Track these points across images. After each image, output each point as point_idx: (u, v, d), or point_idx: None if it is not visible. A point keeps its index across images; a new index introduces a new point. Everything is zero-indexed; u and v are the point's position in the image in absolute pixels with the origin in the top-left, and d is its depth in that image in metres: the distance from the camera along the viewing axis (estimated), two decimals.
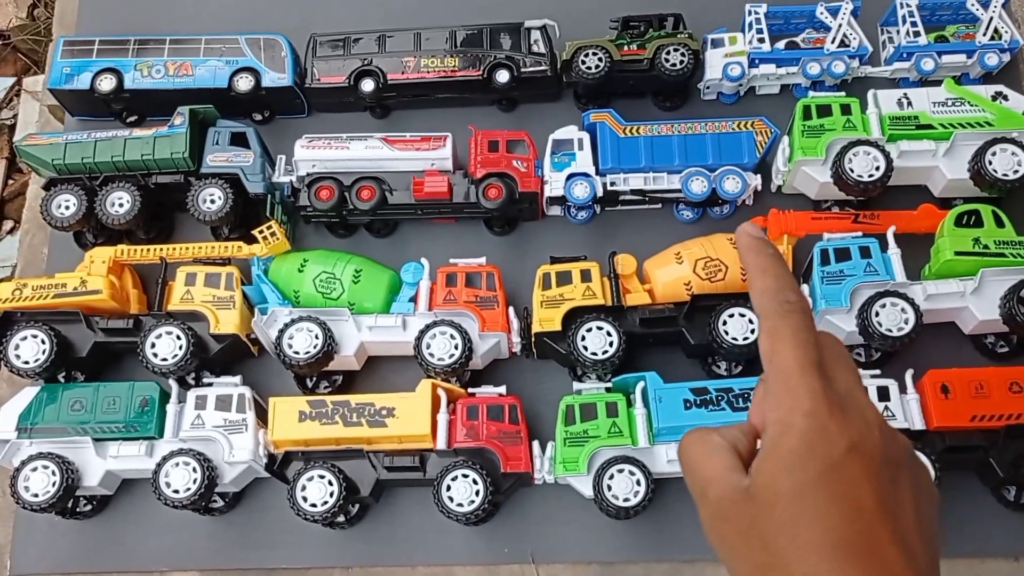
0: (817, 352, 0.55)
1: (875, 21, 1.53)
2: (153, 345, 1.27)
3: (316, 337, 1.26)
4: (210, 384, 1.30)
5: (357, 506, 1.28)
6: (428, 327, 1.27)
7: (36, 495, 1.21)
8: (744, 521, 0.54)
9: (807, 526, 0.51)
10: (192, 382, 1.34)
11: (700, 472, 0.58)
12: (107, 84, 1.46)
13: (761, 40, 1.46)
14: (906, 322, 1.24)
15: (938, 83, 1.42)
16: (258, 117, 1.54)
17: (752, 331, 1.25)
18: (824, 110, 1.37)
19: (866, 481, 0.52)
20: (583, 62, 1.43)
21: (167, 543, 1.31)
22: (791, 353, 0.55)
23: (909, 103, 1.38)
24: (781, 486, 0.52)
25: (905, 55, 1.47)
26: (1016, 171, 1.32)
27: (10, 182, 2.13)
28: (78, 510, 1.31)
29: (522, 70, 1.46)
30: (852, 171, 1.31)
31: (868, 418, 0.55)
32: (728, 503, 0.55)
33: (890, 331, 1.23)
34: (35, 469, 1.22)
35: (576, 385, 1.29)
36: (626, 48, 1.45)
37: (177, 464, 1.22)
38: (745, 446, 0.59)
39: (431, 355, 1.26)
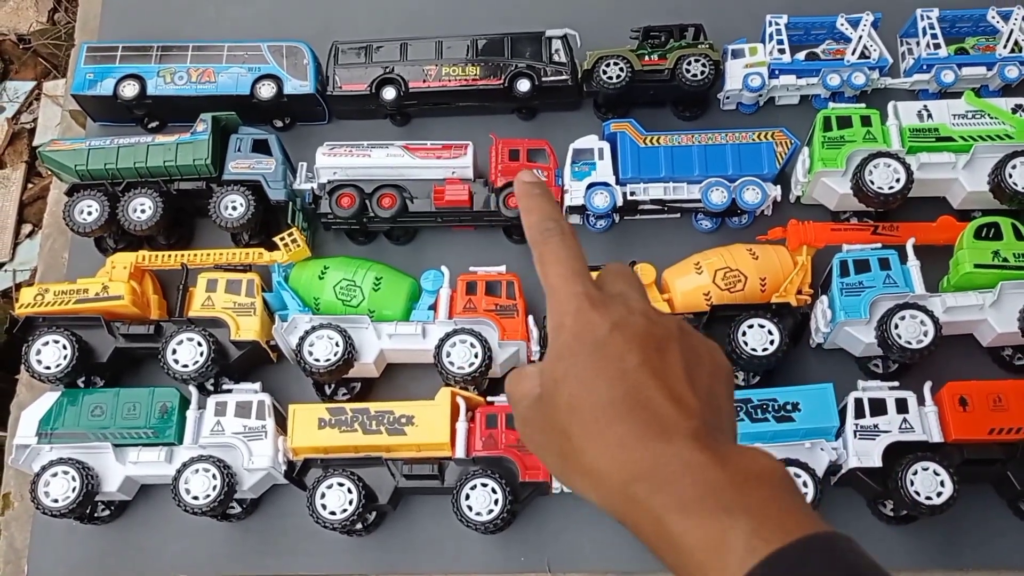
0: (579, 263, 0.60)
1: (894, 33, 1.54)
2: (174, 351, 1.28)
3: (336, 344, 1.26)
4: (230, 391, 1.30)
5: (374, 514, 1.28)
6: (448, 335, 1.27)
7: (56, 500, 1.22)
8: (541, 420, 0.59)
9: (582, 399, 0.55)
10: (211, 388, 1.34)
11: (512, 397, 0.62)
12: (130, 90, 1.47)
13: (781, 51, 1.47)
14: (925, 334, 1.24)
15: (958, 95, 1.42)
16: (279, 124, 1.54)
17: (772, 342, 1.25)
18: (844, 121, 1.37)
19: (629, 351, 0.55)
20: (604, 72, 1.44)
21: (184, 549, 1.32)
22: (554, 270, 0.60)
23: (929, 115, 1.38)
24: (557, 373, 0.57)
25: (925, 67, 1.47)
26: None
27: (30, 186, 2.14)
28: (96, 515, 1.31)
29: (543, 79, 1.46)
30: (872, 183, 1.31)
31: (632, 306, 0.59)
32: (529, 410, 0.60)
33: (909, 343, 1.23)
34: (55, 474, 1.23)
35: None
36: (647, 58, 1.46)
37: (197, 470, 1.23)
38: None
39: (451, 363, 1.26)
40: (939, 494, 1.17)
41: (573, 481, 0.58)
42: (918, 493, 1.17)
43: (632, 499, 0.53)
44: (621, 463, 0.54)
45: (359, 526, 1.27)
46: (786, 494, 0.52)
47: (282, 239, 1.35)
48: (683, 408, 0.54)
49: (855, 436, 1.21)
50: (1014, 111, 1.38)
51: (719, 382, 0.59)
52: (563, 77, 1.47)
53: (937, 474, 1.18)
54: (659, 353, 0.57)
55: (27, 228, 2.11)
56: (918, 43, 1.50)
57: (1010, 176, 1.32)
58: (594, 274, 0.63)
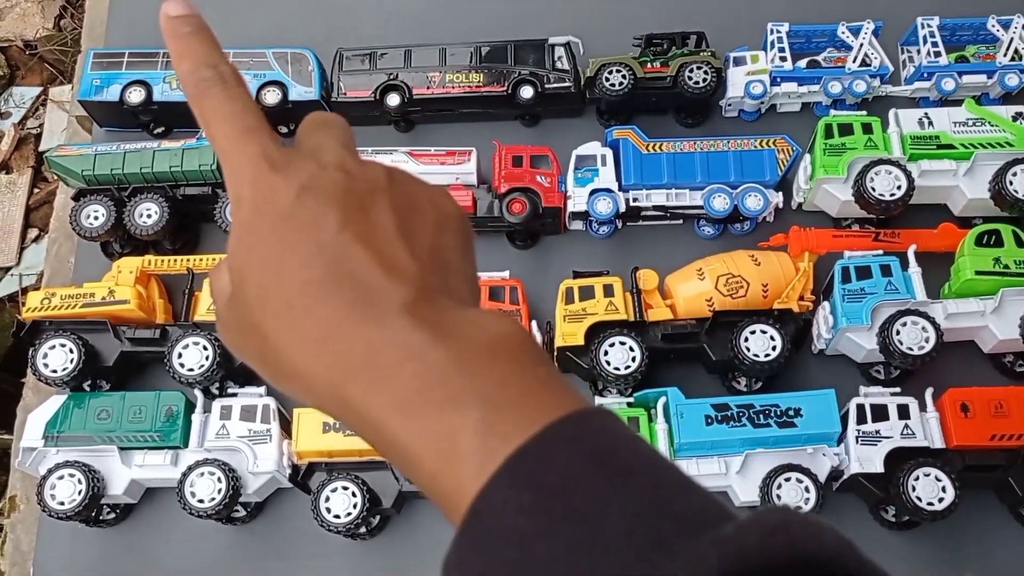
0: (252, 118, 0.49)
1: (895, 41, 1.55)
2: (180, 355, 1.29)
3: None
4: (235, 395, 1.31)
5: (378, 517, 1.29)
6: None
7: (62, 503, 1.23)
8: (236, 319, 0.48)
9: (272, 287, 0.45)
10: (216, 392, 1.35)
11: (213, 298, 0.52)
12: (136, 96, 1.48)
13: (783, 58, 1.48)
14: (927, 341, 1.25)
15: (958, 103, 1.43)
16: (283, 130, 1.55)
17: (774, 348, 1.26)
18: (846, 129, 1.38)
19: (324, 215, 0.45)
20: (607, 79, 1.45)
21: (189, 552, 1.32)
22: (221, 131, 0.49)
23: (930, 123, 1.39)
24: (242, 261, 0.47)
25: (926, 75, 1.48)
26: None
27: (36, 191, 2.15)
28: (101, 518, 1.32)
29: (546, 86, 1.47)
30: (874, 190, 1.32)
31: (325, 159, 0.48)
32: (224, 309, 0.49)
33: (911, 349, 1.24)
34: (61, 477, 1.24)
35: (597, 400, 1.30)
36: (649, 65, 1.47)
37: (202, 474, 1.23)
38: None
39: None
40: (940, 500, 1.18)
41: (283, 387, 0.47)
42: (920, 499, 1.18)
43: (347, 403, 0.43)
44: (328, 359, 0.44)
45: (363, 530, 1.28)
46: (527, 367, 0.43)
47: None
48: (396, 274, 0.45)
49: (857, 442, 1.22)
50: (1014, 119, 1.39)
51: (447, 233, 0.49)
52: (566, 84, 1.48)
53: (939, 480, 1.18)
54: (363, 213, 0.46)
55: (33, 233, 2.12)
56: (919, 51, 1.51)
57: (1011, 183, 1.32)
58: None
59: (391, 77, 1.49)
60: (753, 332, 1.27)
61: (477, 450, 0.40)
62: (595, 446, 0.40)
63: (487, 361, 0.42)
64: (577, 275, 1.34)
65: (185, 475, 1.23)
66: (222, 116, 0.49)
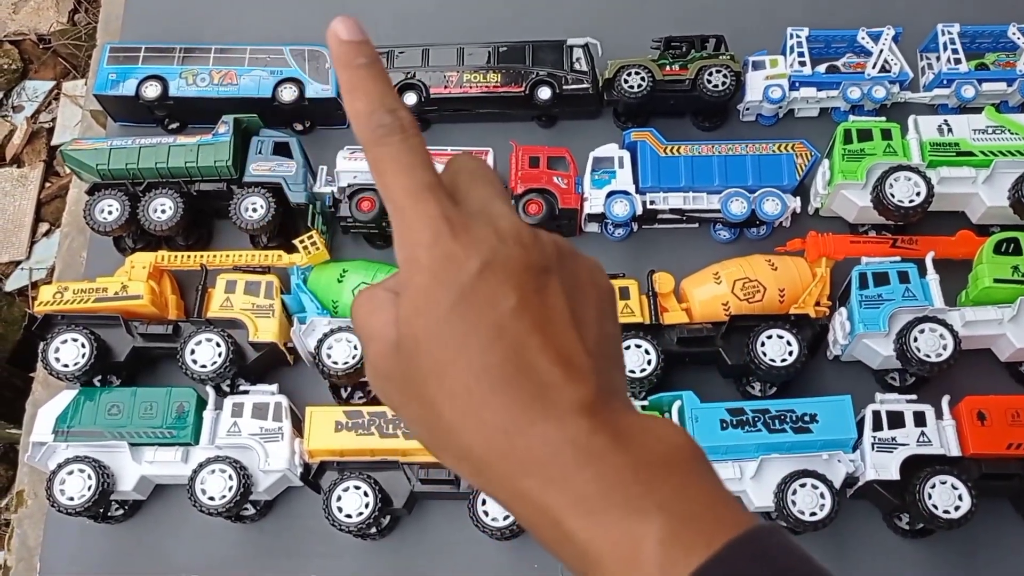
0: (429, 173, 0.47)
1: (914, 47, 1.54)
2: (193, 351, 1.28)
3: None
4: (247, 392, 1.30)
5: (389, 517, 1.28)
6: None
7: (72, 498, 1.22)
8: (398, 376, 0.48)
9: (449, 366, 0.45)
10: (228, 389, 1.34)
11: (363, 330, 0.50)
12: (152, 91, 1.48)
13: (802, 63, 1.47)
14: (944, 348, 1.24)
15: (977, 111, 1.42)
16: (299, 127, 1.55)
17: (791, 353, 1.25)
18: (865, 134, 1.38)
19: (504, 297, 0.45)
20: (625, 81, 1.44)
21: (197, 550, 1.31)
22: (397, 183, 0.47)
23: (950, 130, 1.38)
24: (417, 330, 0.46)
25: (945, 82, 1.47)
26: None
27: (47, 185, 2.15)
28: (110, 514, 1.31)
29: (564, 87, 1.47)
30: (893, 196, 1.31)
31: (501, 229, 0.47)
32: (382, 360, 0.48)
33: (928, 357, 1.23)
34: (71, 472, 1.23)
35: None
36: (668, 68, 1.46)
37: (213, 471, 1.22)
38: None
39: None
40: (957, 508, 1.17)
41: (447, 461, 0.48)
42: (936, 507, 1.17)
43: (523, 496, 0.45)
44: (503, 451, 0.44)
45: (373, 530, 1.27)
46: (702, 478, 0.45)
47: (302, 242, 1.35)
48: (573, 371, 0.45)
49: (873, 448, 1.21)
50: None
51: (607, 316, 0.50)
52: (584, 85, 1.47)
53: (955, 488, 1.18)
54: (539, 295, 0.46)
55: (44, 227, 2.12)
56: (938, 58, 1.50)
57: None
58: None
59: (408, 76, 1.48)
60: (770, 337, 1.26)
61: (660, 560, 0.41)
62: (778, 565, 0.42)
63: (665, 471, 0.43)
64: None
65: (196, 472, 1.22)
66: (400, 168, 0.48)
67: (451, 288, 0.45)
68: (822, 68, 1.49)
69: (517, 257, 0.46)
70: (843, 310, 1.30)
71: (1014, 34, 1.48)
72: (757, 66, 1.48)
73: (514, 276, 0.46)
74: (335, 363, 1.26)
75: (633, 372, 1.25)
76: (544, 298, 0.46)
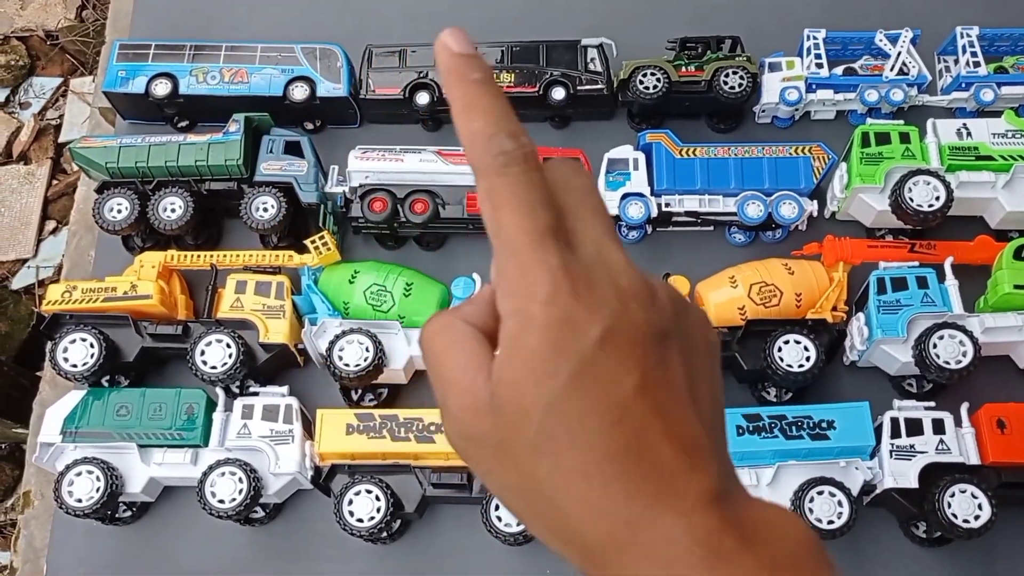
0: (551, 213, 0.42)
1: (931, 50, 1.52)
2: (203, 352, 1.27)
3: (367, 350, 1.25)
4: (257, 393, 1.29)
5: (399, 521, 1.27)
6: None
7: (80, 500, 1.20)
8: (493, 442, 0.43)
9: (566, 446, 0.41)
10: (237, 391, 1.33)
11: (441, 371, 0.45)
12: (162, 89, 1.46)
13: (819, 65, 1.46)
14: (964, 355, 1.22)
15: (996, 114, 1.41)
16: (310, 126, 1.53)
17: (808, 358, 1.24)
18: (883, 138, 1.36)
19: (627, 373, 0.41)
20: (641, 82, 1.43)
21: (205, 552, 1.30)
22: (515, 221, 0.42)
23: (968, 133, 1.37)
24: (528, 400, 0.41)
25: (964, 85, 1.46)
26: None
27: (54, 182, 2.14)
28: (117, 516, 1.30)
29: (578, 88, 1.45)
30: (912, 200, 1.30)
31: (622, 289, 0.42)
32: (471, 417, 0.44)
33: (947, 363, 1.22)
34: (79, 474, 1.21)
35: None
36: (684, 69, 1.44)
37: (223, 474, 1.21)
38: (494, 329, 0.46)
39: None
40: (976, 517, 1.15)
41: (546, 538, 0.44)
42: (955, 516, 1.15)
43: None
44: (623, 544, 0.41)
45: (384, 534, 1.25)
46: (824, 572, 0.43)
47: (313, 242, 1.33)
48: (696, 457, 0.42)
49: (891, 456, 1.19)
50: None
51: (716, 379, 0.46)
52: (598, 86, 1.46)
53: (975, 497, 1.16)
54: (661, 366, 0.42)
55: (51, 224, 2.10)
56: (956, 61, 1.49)
57: None
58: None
59: (421, 75, 1.47)
60: (787, 342, 1.25)
61: None
62: None
63: (793, 570, 0.41)
64: None
65: (206, 475, 1.21)
66: (520, 205, 0.42)
67: (570, 357, 0.41)
68: (839, 70, 1.48)
69: (640, 324, 0.42)
70: (860, 315, 1.29)
71: None
72: (773, 68, 1.47)
73: (637, 347, 0.42)
74: (346, 365, 1.24)
75: None
76: (665, 371, 0.42)
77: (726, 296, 1.31)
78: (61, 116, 2.16)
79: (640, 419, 0.41)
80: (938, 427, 1.21)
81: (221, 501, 1.20)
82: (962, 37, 1.47)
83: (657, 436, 0.41)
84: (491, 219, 0.43)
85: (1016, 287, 1.27)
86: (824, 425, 1.21)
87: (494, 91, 0.44)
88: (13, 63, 2.26)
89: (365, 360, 1.24)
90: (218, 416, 1.25)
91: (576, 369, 0.40)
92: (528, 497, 0.43)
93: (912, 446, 1.20)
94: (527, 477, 0.42)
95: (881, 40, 1.46)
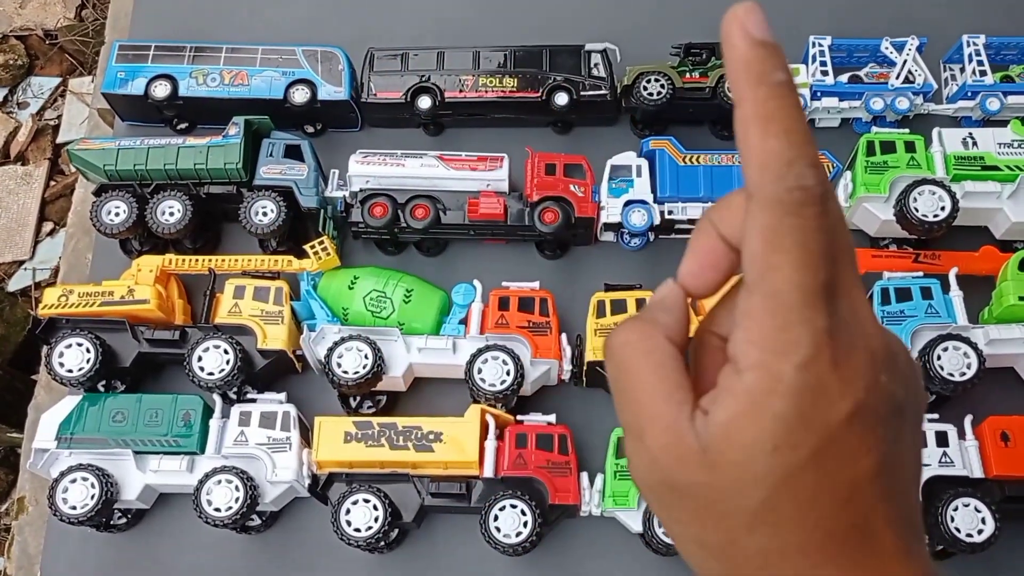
0: (830, 269, 0.38)
1: (937, 58, 1.51)
2: (200, 358, 1.25)
3: (366, 357, 1.23)
4: (254, 400, 1.27)
5: (397, 531, 1.25)
6: (480, 351, 1.25)
7: (74, 507, 1.19)
8: (699, 496, 0.41)
9: (790, 519, 0.39)
10: (234, 397, 1.31)
11: (636, 393, 0.42)
12: (162, 90, 1.45)
13: (824, 72, 1.45)
14: (968, 367, 1.21)
15: (1002, 124, 1.40)
16: (310, 129, 1.52)
17: None
18: (888, 147, 1.35)
19: (865, 453, 0.39)
20: (644, 88, 1.41)
21: (201, 560, 1.28)
22: (793, 274, 0.38)
23: (974, 143, 1.36)
24: (760, 467, 0.39)
25: (970, 94, 1.45)
26: None
27: (52, 184, 2.12)
28: (112, 523, 1.28)
29: (581, 93, 1.44)
30: (917, 210, 1.29)
31: (875, 355, 0.40)
32: (676, 463, 0.41)
33: (952, 375, 1.21)
34: (74, 480, 1.20)
35: None
36: (688, 75, 1.43)
37: (219, 481, 1.20)
38: (708, 361, 0.44)
39: (482, 380, 1.23)
40: (980, 532, 1.14)
41: None
42: (958, 530, 1.14)
43: None
44: None
45: (381, 543, 1.24)
46: None
47: (312, 247, 1.32)
48: (912, 543, 0.40)
49: None
50: None
51: (920, 435, 0.45)
52: (602, 92, 1.45)
53: (978, 511, 1.15)
54: (895, 444, 0.40)
55: (48, 226, 2.09)
56: (962, 69, 1.47)
57: None
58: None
59: (423, 79, 1.46)
60: None
61: None
62: None
63: None
64: (609, 288, 1.30)
65: (202, 482, 1.20)
66: (804, 256, 0.38)
67: (817, 431, 0.38)
68: (844, 78, 1.47)
69: (885, 399, 0.40)
70: None
71: None
72: None
73: (880, 425, 0.40)
74: (345, 372, 1.23)
75: None
76: (898, 450, 0.40)
77: None
78: (59, 116, 2.15)
79: (870, 502, 0.39)
80: (941, 440, 1.20)
81: (217, 509, 1.19)
82: (968, 45, 1.46)
83: (882, 521, 0.40)
84: (760, 258, 0.39)
85: (1021, 298, 1.26)
86: None
87: (796, 101, 0.39)
88: (11, 62, 2.25)
89: (364, 368, 1.23)
90: (215, 423, 1.24)
91: (820, 445, 0.38)
92: (730, 560, 0.41)
93: None
94: (733, 542, 0.40)
95: (887, 48, 1.45)
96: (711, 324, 0.46)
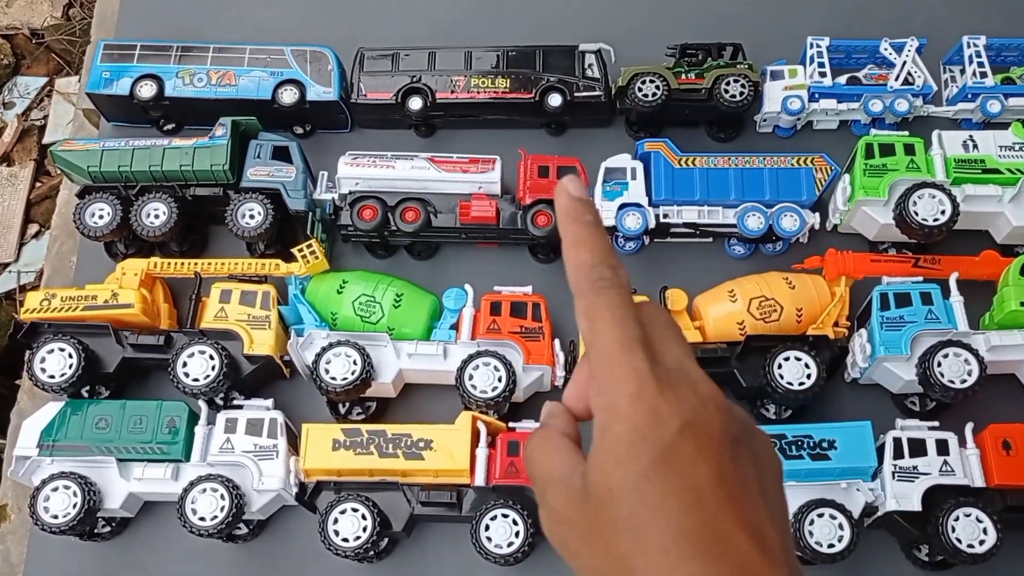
0: (639, 328, 0.50)
1: (936, 59, 1.49)
2: (185, 364, 1.23)
3: (355, 363, 1.21)
4: (241, 406, 1.25)
5: (387, 540, 1.23)
6: (471, 357, 1.22)
7: (56, 516, 1.17)
8: (583, 524, 0.49)
9: (647, 522, 0.46)
10: (221, 403, 1.29)
11: (542, 474, 0.52)
12: (147, 91, 1.43)
13: (823, 74, 1.42)
14: (969, 374, 1.19)
15: (1003, 126, 1.38)
16: (299, 131, 1.50)
17: (809, 376, 1.20)
18: (887, 149, 1.33)
19: (703, 462, 0.46)
20: (640, 89, 1.39)
21: (186, 569, 1.26)
22: (610, 333, 0.50)
23: (975, 146, 1.34)
24: (614, 481, 0.47)
25: (970, 96, 1.43)
26: None
27: (37, 185, 2.09)
28: (96, 531, 1.26)
29: (575, 94, 1.42)
30: (916, 214, 1.27)
31: (701, 393, 0.49)
32: (565, 504, 0.50)
33: (952, 383, 1.19)
34: (56, 489, 1.18)
35: None
36: (684, 76, 1.41)
37: (204, 490, 1.17)
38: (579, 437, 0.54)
39: (473, 387, 1.21)
40: (981, 542, 1.12)
41: None
42: (959, 540, 1.12)
43: None
44: None
45: (371, 553, 1.22)
46: None
47: (300, 251, 1.30)
48: (767, 551, 0.46)
49: (894, 478, 1.16)
50: None
51: (783, 498, 0.51)
52: (596, 93, 1.43)
53: (980, 521, 1.13)
54: (735, 465, 0.47)
55: (33, 228, 2.06)
56: (962, 71, 1.45)
57: None
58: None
59: (414, 80, 1.43)
60: (787, 359, 1.21)
61: None
62: None
63: None
64: None
65: (186, 491, 1.17)
66: (615, 319, 0.50)
67: (653, 444, 0.46)
68: (843, 79, 1.45)
69: (716, 423, 0.48)
70: (863, 332, 1.25)
71: None
72: (776, 76, 1.44)
73: (713, 442, 0.47)
74: (333, 378, 1.21)
75: None
76: (738, 468, 0.47)
77: (725, 310, 1.27)
78: (46, 117, 2.12)
79: (715, 504, 0.46)
80: (942, 448, 1.18)
81: (202, 519, 1.16)
82: (969, 47, 1.44)
83: (731, 522, 0.45)
84: (587, 331, 0.51)
85: (1023, 304, 1.24)
86: (825, 445, 1.17)
87: (601, 231, 0.53)
88: None
89: (353, 374, 1.21)
90: (200, 430, 1.22)
91: (658, 454, 0.46)
92: (612, 575, 0.48)
93: (915, 467, 1.17)
94: (613, 556, 0.47)
95: (886, 49, 1.43)
96: (570, 402, 0.57)
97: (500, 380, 1.21)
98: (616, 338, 0.49)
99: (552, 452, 0.52)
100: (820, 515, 1.14)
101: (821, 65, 1.43)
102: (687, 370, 0.50)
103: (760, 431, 0.52)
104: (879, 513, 1.17)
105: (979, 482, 1.16)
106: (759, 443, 0.51)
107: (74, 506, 1.17)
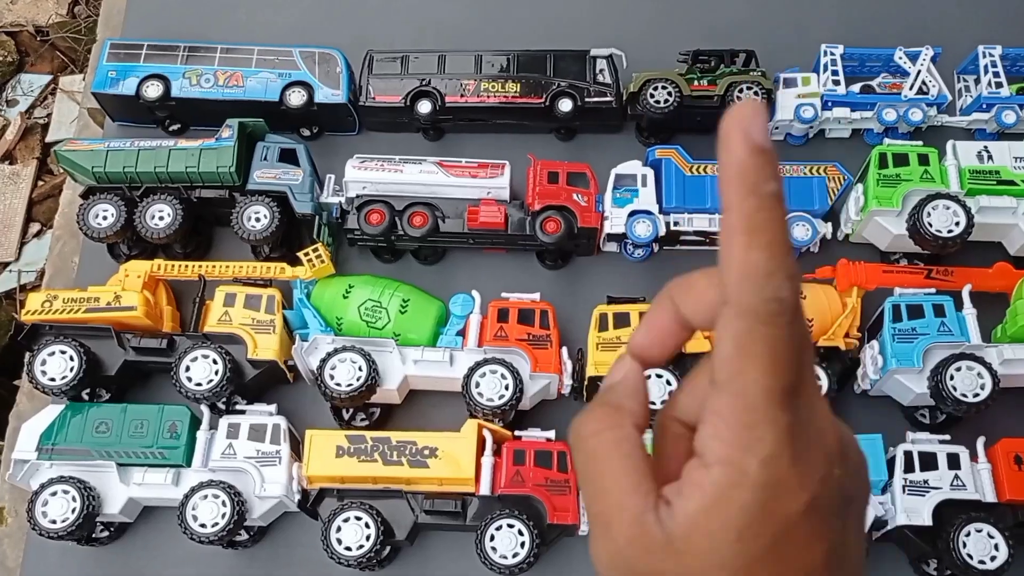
0: (795, 374, 0.40)
1: (952, 68, 1.48)
2: (187, 368, 1.21)
3: (360, 369, 1.19)
4: (243, 412, 1.23)
5: (390, 548, 1.22)
6: (478, 365, 1.21)
7: (54, 521, 1.15)
8: None
9: None
10: (223, 408, 1.27)
11: (603, 483, 0.44)
12: (154, 91, 1.41)
13: (836, 82, 1.41)
14: (982, 387, 1.18)
15: (1017, 137, 1.36)
16: (306, 133, 1.49)
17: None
18: (901, 159, 1.32)
19: (819, 541, 0.42)
20: (652, 95, 1.38)
21: (185, 575, 1.24)
22: (761, 378, 0.40)
23: (990, 157, 1.32)
24: (725, 554, 0.41)
25: (985, 106, 1.41)
26: None
27: (40, 183, 2.08)
28: (94, 536, 1.24)
29: (586, 100, 1.41)
30: (931, 225, 1.25)
31: (829, 450, 0.43)
32: (642, 554, 0.43)
33: (965, 396, 1.17)
34: (54, 494, 1.16)
35: None
36: (696, 83, 1.40)
37: (206, 496, 1.16)
38: (670, 449, 0.46)
39: (480, 395, 1.19)
40: (993, 558, 1.11)
41: None
42: (971, 556, 1.11)
43: None
44: None
45: (373, 561, 1.20)
46: None
47: (306, 254, 1.28)
48: None
49: (904, 491, 1.15)
50: None
51: (863, 525, 0.48)
52: (607, 98, 1.41)
53: (991, 537, 1.11)
54: (843, 532, 0.43)
55: (35, 227, 2.04)
56: (977, 80, 1.44)
57: None
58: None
59: (423, 83, 1.42)
60: None
61: None
62: None
63: None
64: (612, 301, 1.27)
65: (187, 497, 1.16)
66: (772, 362, 0.40)
67: (776, 522, 0.41)
68: (856, 87, 1.43)
69: (837, 491, 0.43)
70: (874, 343, 1.24)
71: None
72: (788, 83, 1.42)
73: (832, 516, 0.43)
74: (338, 384, 1.19)
75: (654, 403, 1.18)
76: (845, 538, 0.44)
77: None
78: (49, 115, 2.11)
79: None
80: (953, 462, 1.17)
81: (203, 526, 1.15)
82: (984, 56, 1.43)
83: None
84: (731, 361, 0.41)
85: None
86: None
87: (783, 212, 0.40)
88: (1, 59, 2.21)
89: (357, 380, 1.19)
90: (202, 435, 1.20)
91: (778, 534, 0.41)
92: None
93: (926, 481, 1.16)
94: None
95: (901, 57, 1.42)
96: (674, 410, 0.48)
97: (507, 388, 1.19)
98: (767, 388, 0.40)
99: (623, 461, 0.44)
100: None
101: (835, 73, 1.41)
102: (818, 420, 0.43)
103: (864, 461, 0.47)
104: (888, 527, 1.15)
105: (991, 497, 1.15)
106: (864, 478, 0.47)
107: (73, 511, 1.15)
